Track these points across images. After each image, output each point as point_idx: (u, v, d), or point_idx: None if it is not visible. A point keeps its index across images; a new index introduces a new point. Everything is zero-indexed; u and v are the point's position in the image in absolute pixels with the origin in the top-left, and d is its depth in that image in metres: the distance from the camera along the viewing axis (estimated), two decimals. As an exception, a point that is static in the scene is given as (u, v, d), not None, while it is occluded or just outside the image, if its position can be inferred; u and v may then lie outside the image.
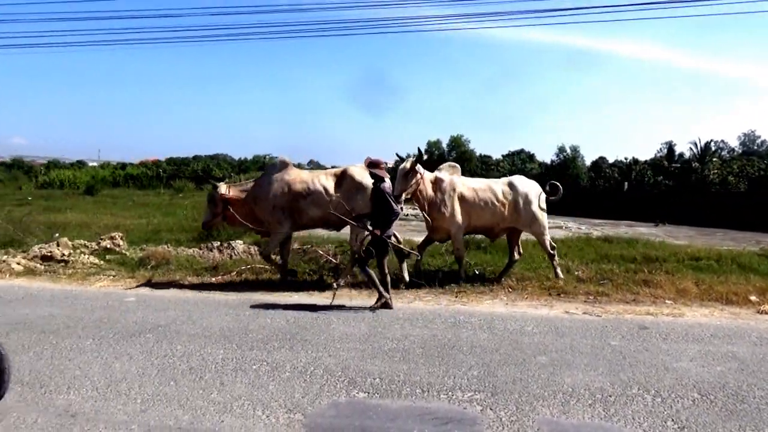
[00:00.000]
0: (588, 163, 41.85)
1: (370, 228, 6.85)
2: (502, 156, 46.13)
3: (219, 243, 10.46)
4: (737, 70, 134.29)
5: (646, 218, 24.11)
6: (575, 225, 19.92)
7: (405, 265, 8.10)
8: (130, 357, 5.03)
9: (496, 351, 5.26)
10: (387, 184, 6.87)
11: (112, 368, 4.75)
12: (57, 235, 11.23)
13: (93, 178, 37.23)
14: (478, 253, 10.13)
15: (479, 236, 9.52)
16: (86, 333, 5.76)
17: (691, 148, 42.76)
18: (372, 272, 6.90)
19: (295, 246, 10.19)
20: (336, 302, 7.07)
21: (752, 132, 69.21)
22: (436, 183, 8.12)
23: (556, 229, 17.81)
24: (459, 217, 8.10)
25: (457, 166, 8.58)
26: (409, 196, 7.93)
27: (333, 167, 8.78)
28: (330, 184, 8.22)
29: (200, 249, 10.39)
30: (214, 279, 8.70)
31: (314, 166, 48.21)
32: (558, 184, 8.64)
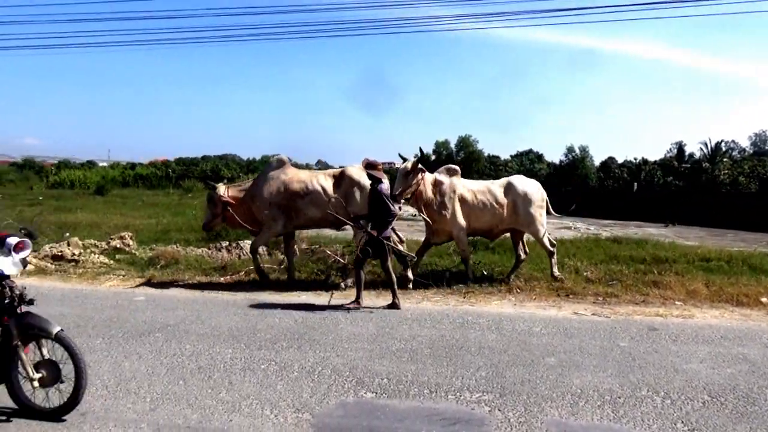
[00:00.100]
0: (597, 163, 41.70)
1: (366, 229, 6.89)
2: (511, 156, 46.06)
3: (227, 243, 10.51)
4: (749, 69, 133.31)
5: (655, 219, 23.97)
6: (584, 225, 19.84)
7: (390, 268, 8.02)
8: (139, 356, 5.06)
9: (504, 352, 5.24)
10: (384, 185, 6.92)
11: (122, 367, 4.78)
12: (67, 234, 11.33)
13: (103, 179, 37.53)
14: (486, 254, 10.11)
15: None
16: (96, 332, 5.80)
17: (701, 149, 42.47)
18: (363, 274, 7.02)
19: (303, 246, 10.21)
20: (342, 302, 7.08)
21: (763, 132, 68.71)
22: (436, 185, 8.10)
23: (564, 229, 17.75)
24: (461, 219, 8.09)
25: (457, 168, 8.56)
26: (409, 197, 7.92)
27: (341, 167, 8.80)
28: (328, 185, 8.23)
29: (209, 249, 10.45)
30: (222, 279, 8.74)
31: (322, 166, 48.27)
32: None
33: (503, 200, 8.25)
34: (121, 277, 8.89)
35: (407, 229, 13.12)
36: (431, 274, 8.36)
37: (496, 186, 8.44)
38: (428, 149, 49.64)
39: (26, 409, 3.74)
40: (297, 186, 8.21)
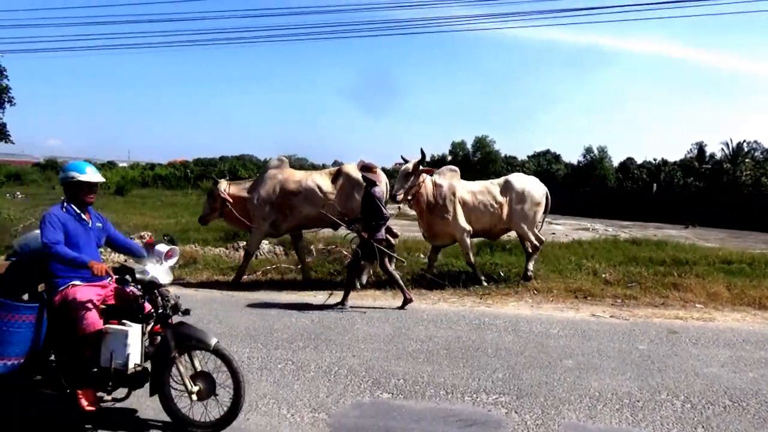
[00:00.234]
0: (616, 164, 41.26)
1: (358, 231, 6.92)
2: (528, 157, 45.76)
3: (245, 243, 10.59)
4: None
5: (675, 220, 23.67)
6: (602, 227, 19.65)
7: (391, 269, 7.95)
8: (158, 354, 5.11)
9: (521, 354, 5.21)
10: (378, 188, 6.96)
11: (141, 365, 4.83)
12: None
13: (123, 179, 38.00)
14: (503, 255, 10.06)
15: (503, 237, 9.44)
16: (116, 330, 5.86)
17: (722, 149, 41.74)
18: (355, 277, 7.10)
19: (320, 246, 10.25)
20: (361, 303, 7.11)
21: (787, 132, 67.32)
22: (436, 188, 8.07)
23: (582, 230, 17.60)
24: (463, 222, 8.06)
25: (456, 169, 8.52)
26: (410, 198, 7.90)
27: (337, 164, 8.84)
28: (323, 182, 8.29)
29: (227, 249, 10.55)
30: (240, 281, 8.80)
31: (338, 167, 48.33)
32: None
33: (501, 199, 8.23)
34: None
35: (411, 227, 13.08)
36: (447, 274, 8.33)
37: (495, 185, 8.42)
38: (444, 150, 49.60)
39: (180, 423, 3.60)
40: (292, 185, 8.28)
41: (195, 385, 3.56)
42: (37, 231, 3.90)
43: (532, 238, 8.34)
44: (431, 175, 8.08)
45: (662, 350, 5.37)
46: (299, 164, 43.85)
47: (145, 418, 3.80)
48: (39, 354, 3.52)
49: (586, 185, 35.43)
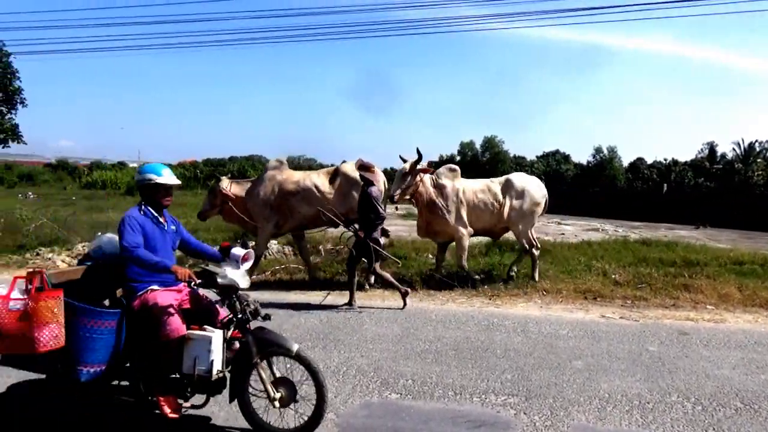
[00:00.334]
0: (625, 164, 41.00)
1: (354, 230, 6.94)
2: (537, 157, 45.53)
3: (253, 243, 10.62)
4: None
5: (686, 221, 23.46)
6: (612, 227, 19.51)
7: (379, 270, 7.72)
8: (168, 354, 5.14)
9: (530, 354, 5.20)
10: (374, 188, 6.98)
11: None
12: (99, 234, 11.56)
13: (133, 179, 38.21)
14: (512, 256, 10.02)
15: (513, 238, 9.41)
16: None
17: (734, 149, 41.33)
18: (355, 276, 7.14)
19: (329, 246, 10.27)
20: (369, 303, 7.11)
21: (800, 132, 66.60)
22: (438, 187, 8.06)
23: (592, 231, 17.50)
24: (463, 223, 8.06)
25: (457, 168, 8.50)
26: (408, 197, 7.92)
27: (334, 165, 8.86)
28: (321, 182, 8.32)
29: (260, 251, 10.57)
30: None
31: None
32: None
33: (501, 198, 8.22)
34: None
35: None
36: (456, 275, 8.32)
37: (496, 184, 8.41)
38: (453, 150, 49.46)
39: (260, 430, 3.55)
40: (290, 186, 8.33)
41: (277, 391, 3.49)
42: (110, 234, 3.91)
43: (528, 238, 8.33)
44: (432, 174, 8.11)
45: (673, 352, 5.33)
46: (308, 164, 43.95)
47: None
48: (118, 360, 3.47)
49: (595, 185, 35.25)
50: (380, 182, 7.88)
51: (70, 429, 3.71)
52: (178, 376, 3.50)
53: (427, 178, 7.99)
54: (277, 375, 3.54)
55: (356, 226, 6.97)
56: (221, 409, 3.85)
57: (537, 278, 8.23)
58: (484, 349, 5.33)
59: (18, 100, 17.03)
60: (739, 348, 5.48)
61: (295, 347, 3.47)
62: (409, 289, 7.11)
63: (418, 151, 7.73)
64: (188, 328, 3.48)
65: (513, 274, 8.29)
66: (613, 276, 8.50)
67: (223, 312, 3.63)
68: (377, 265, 7.03)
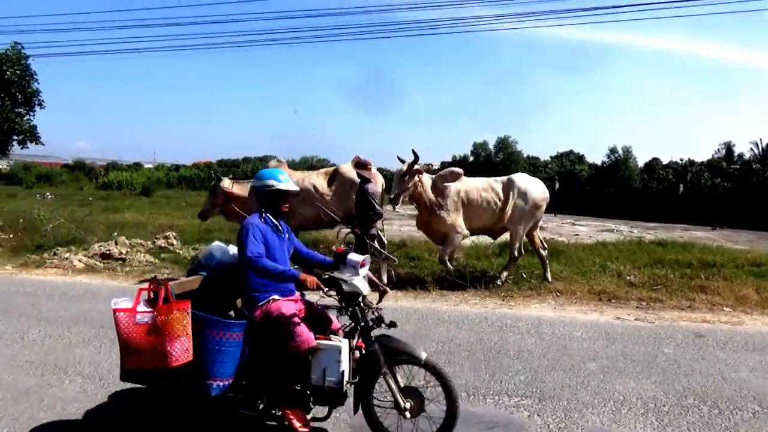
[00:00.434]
0: (641, 164, 40.60)
1: (352, 227, 7.03)
2: (551, 157, 45.18)
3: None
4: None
5: (702, 222, 23.14)
6: (627, 228, 19.34)
7: (383, 269, 7.98)
8: (183, 353, 5.19)
9: (543, 356, 5.17)
10: (371, 185, 7.01)
11: (167, 363, 4.91)
12: (115, 234, 11.72)
13: (149, 180, 38.56)
14: (525, 257, 9.98)
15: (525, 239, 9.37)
16: (142, 329, 5.97)
17: (752, 149, 40.73)
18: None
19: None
20: (381, 303, 7.10)
21: (820, 131, 65.46)
22: (439, 188, 8.08)
23: (606, 232, 17.36)
24: (461, 223, 8.07)
25: (461, 171, 8.50)
26: (407, 198, 7.96)
27: (379, 169, 8.87)
28: (319, 183, 8.40)
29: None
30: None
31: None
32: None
33: (503, 197, 8.21)
34: (166, 275, 9.14)
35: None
36: (469, 276, 8.30)
37: (498, 183, 8.40)
38: (466, 151, 49.25)
39: None
40: None
41: (406, 401, 3.36)
42: (218, 243, 3.84)
43: (518, 245, 8.28)
44: (431, 174, 8.17)
45: (689, 354, 5.28)
46: (321, 165, 43.98)
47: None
48: (243, 373, 3.34)
49: (610, 186, 34.91)
50: (376, 180, 7.93)
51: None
52: (298, 387, 3.41)
53: (426, 178, 8.02)
54: (404, 384, 3.42)
55: (350, 227, 7.06)
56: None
57: (550, 278, 8.21)
58: (497, 351, 5.32)
59: (36, 102, 17.24)
60: (756, 351, 5.41)
61: (423, 355, 3.35)
62: (388, 289, 7.04)
63: (414, 152, 7.77)
64: (317, 338, 3.37)
65: (500, 282, 8.19)
66: (628, 277, 8.43)
67: (335, 320, 3.55)
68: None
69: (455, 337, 5.73)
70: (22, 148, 18.04)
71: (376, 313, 3.44)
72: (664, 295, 7.55)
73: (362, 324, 3.38)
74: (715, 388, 4.43)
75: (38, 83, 17.31)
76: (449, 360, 5.04)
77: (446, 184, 8.12)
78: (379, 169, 8.06)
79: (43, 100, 17.55)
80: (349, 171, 8.20)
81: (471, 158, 47.34)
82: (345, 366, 3.30)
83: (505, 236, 8.85)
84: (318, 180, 8.43)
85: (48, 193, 28.63)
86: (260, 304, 3.42)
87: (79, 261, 9.80)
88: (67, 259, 9.91)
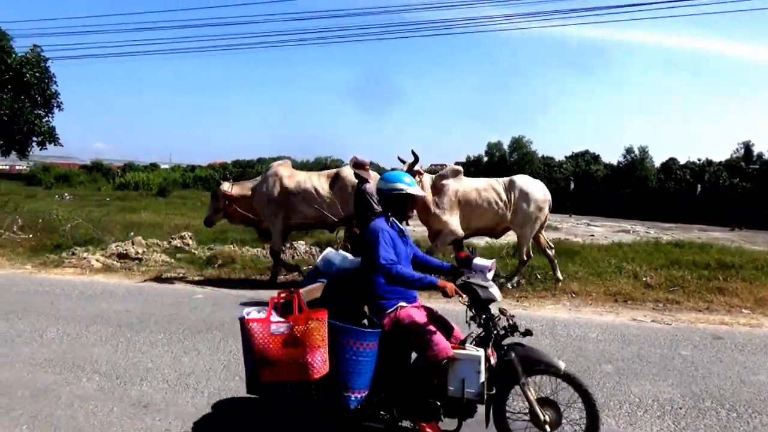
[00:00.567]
0: (657, 164, 40.15)
1: (350, 228, 7.08)
2: (566, 157, 44.82)
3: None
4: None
5: (720, 222, 22.85)
6: (643, 229, 19.16)
7: None
8: (198, 352, 5.24)
9: (558, 358, 5.11)
10: (369, 185, 7.03)
11: (182, 362, 4.97)
12: (132, 234, 11.85)
13: (165, 180, 38.93)
14: (539, 257, 9.91)
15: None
16: (158, 328, 6.05)
17: (771, 148, 40.10)
18: None
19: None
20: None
21: (842, 130, 64.28)
22: (438, 187, 8.06)
23: (622, 233, 17.20)
24: (455, 223, 8.03)
25: (461, 169, 8.46)
26: None
27: (393, 170, 8.89)
28: (321, 184, 8.46)
29: (264, 249, 10.70)
30: (277, 280, 8.93)
31: (373, 168, 48.55)
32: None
33: (505, 198, 8.16)
34: (181, 275, 9.23)
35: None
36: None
37: (499, 183, 8.35)
38: (480, 151, 49.08)
39: None
40: (292, 185, 8.49)
41: (544, 413, 3.20)
42: (332, 250, 3.77)
43: (526, 248, 8.23)
44: (431, 174, 8.16)
45: (706, 356, 5.21)
46: (335, 165, 44.11)
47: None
48: (376, 383, 3.20)
49: (626, 186, 34.58)
50: (374, 180, 7.96)
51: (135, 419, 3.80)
52: (430, 398, 3.28)
53: (426, 179, 8.00)
54: (535, 396, 3.27)
55: (348, 233, 7.11)
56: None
57: (561, 276, 8.15)
58: (511, 352, 5.28)
59: (55, 104, 17.52)
60: (776, 353, 5.32)
61: (562, 365, 3.23)
62: None
63: (414, 153, 7.77)
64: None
65: (511, 286, 8.12)
66: (645, 278, 8.34)
67: (456, 327, 3.45)
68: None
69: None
70: (41, 149, 18.36)
71: (511, 321, 3.30)
72: (681, 297, 7.46)
73: (495, 332, 3.25)
74: (734, 391, 4.37)
75: (57, 86, 17.61)
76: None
77: (444, 182, 8.11)
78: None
79: (61, 102, 17.87)
80: (350, 175, 8.24)
81: (485, 158, 47.17)
82: (484, 377, 3.18)
83: (515, 238, 8.82)
84: (319, 182, 8.50)
85: (66, 194, 29.02)
86: (388, 311, 3.31)
87: (97, 261, 9.93)
88: (84, 258, 10.05)
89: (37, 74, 16.40)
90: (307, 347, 2.88)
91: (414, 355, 3.38)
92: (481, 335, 3.32)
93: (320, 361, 2.91)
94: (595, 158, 43.97)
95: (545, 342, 5.58)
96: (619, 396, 4.26)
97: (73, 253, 10.44)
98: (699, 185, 30.76)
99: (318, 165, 43.62)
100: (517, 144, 46.97)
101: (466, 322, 3.30)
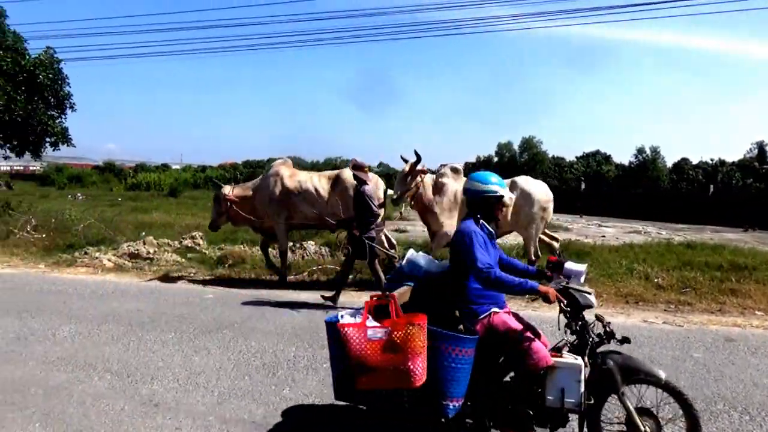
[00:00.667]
0: (669, 164, 39.86)
1: (350, 229, 7.07)
2: (576, 158, 44.61)
3: (291, 243, 10.76)
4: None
5: (733, 223, 22.61)
6: (655, 230, 19.01)
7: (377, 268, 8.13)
8: (208, 351, 5.27)
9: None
10: (368, 187, 7.07)
11: (192, 361, 5.00)
12: (143, 234, 11.94)
13: (176, 180, 39.23)
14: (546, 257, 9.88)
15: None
16: (169, 327, 6.09)
17: (786, 149, 39.66)
18: (348, 275, 7.33)
19: (381, 250, 10.32)
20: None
21: None
22: (438, 187, 8.05)
23: (634, 233, 17.07)
24: (449, 222, 8.00)
25: (460, 169, 8.44)
26: (408, 198, 7.98)
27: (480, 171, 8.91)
28: (321, 185, 8.51)
29: (274, 249, 10.73)
30: (287, 279, 8.96)
31: (384, 168, 48.55)
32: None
33: (508, 200, 8.07)
34: (192, 274, 9.29)
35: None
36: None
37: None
38: (490, 151, 48.98)
39: None
40: (292, 184, 8.54)
41: (644, 423, 3.07)
42: (413, 251, 3.69)
43: (533, 248, 8.18)
44: (433, 174, 8.15)
45: (718, 359, 5.16)
46: (345, 166, 44.13)
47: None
48: (472, 391, 3.11)
49: (637, 187, 34.36)
50: (373, 182, 7.98)
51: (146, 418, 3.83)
52: (519, 406, 3.19)
53: (428, 179, 8.01)
54: (634, 406, 3.13)
55: (347, 236, 7.15)
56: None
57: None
58: (521, 353, 5.26)
59: (68, 105, 17.63)
60: (790, 356, 5.26)
61: (663, 375, 3.09)
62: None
63: (416, 153, 7.78)
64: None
65: None
66: (656, 280, 8.27)
67: (542, 333, 3.31)
68: (375, 262, 7.10)
69: (478, 339, 5.69)
70: (54, 150, 18.44)
71: (607, 328, 3.18)
72: (694, 298, 7.39)
73: (590, 339, 3.13)
74: (746, 394, 4.32)
75: (70, 87, 17.69)
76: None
77: (443, 181, 8.10)
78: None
79: (74, 103, 17.94)
80: (351, 177, 8.27)
81: (495, 159, 47.05)
82: (584, 386, 3.07)
83: (520, 239, 8.78)
84: (320, 183, 8.53)
85: (79, 194, 29.32)
86: (481, 317, 3.21)
87: (109, 260, 10.02)
88: (97, 258, 10.14)
89: (51, 76, 16.53)
90: (408, 353, 2.77)
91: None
92: (575, 342, 3.21)
93: (421, 369, 2.80)
94: (606, 158, 43.74)
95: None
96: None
97: (86, 253, 10.55)
98: (712, 185, 30.48)
99: (328, 166, 43.67)
100: (528, 144, 46.85)
101: (563, 329, 3.23)
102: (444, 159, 8.48)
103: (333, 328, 2.96)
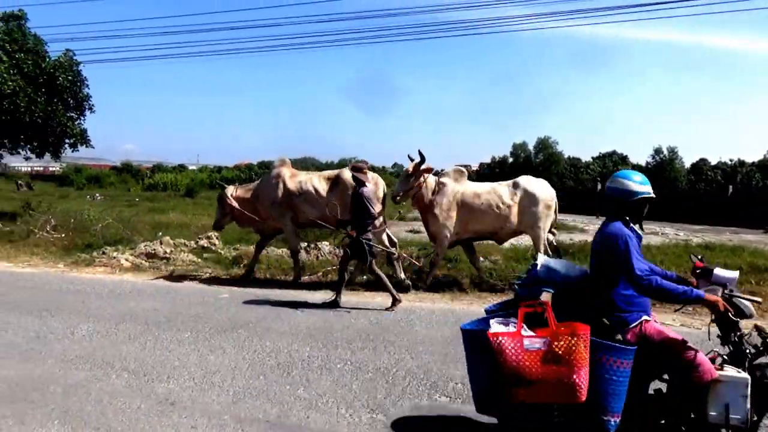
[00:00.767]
0: (687, 165, 39.35)
1: (347, 230, 7.08)
2: (593, 158, 44.22)
3: (306, 244, 10.81)
4: None
5: (753, 224, 22.25)
6: (672, 231, 18.76)
7: (398, 268, 8.29)
8: (223, 351, 5.31)
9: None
10: (366, 188, 7.05)
11: (208, 361, 5.04)
12: (160, 234, 12.07)
13: (192, 181, 39.58)
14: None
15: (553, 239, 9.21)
16: (185, 326, 6.15)
17: (807, 148, 38.97)
18: (345, 275, 7.28)
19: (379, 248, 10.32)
20: (419, 305, 7.12)
21: None
22: (438, 187, 8.02)
23: (651, 235, 16.88)
24: (449, 225, 7.97)
25: (464, 170, 8.41)
26: (411, 198, 8.01)
27: (621, 170, 8.93)
28: (321, 186, 8.56)
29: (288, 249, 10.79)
30: (301, 279, 9.00)
31: (398, 169, 48.52)
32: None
33: (509, 201, 8.04)
34: (208, 274, 9.37)
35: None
36: (505, 278, 8.21)
37: (503, 186, 8.25)
38: (506, 151, 48.73)
39: None
40: (293, 185, 8.60)
41: None
42: (543, 256, 3.54)
43: (542, 247, 8.11)
44: (436, 175, 8.15)
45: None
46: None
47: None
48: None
49: (655, 187, 33.91)
50: (373, 183, 7.99)
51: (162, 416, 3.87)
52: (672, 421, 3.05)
53: (431, 179, 7.99)
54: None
55: (346, 232, 7.16)
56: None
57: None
58: (535, 354, 5.23)
59: (87, 107, 17.89)
60: (811, 360, 5.16)
61: None
62: (401, 299, 7.06)
63: (420, 153, 7.77)
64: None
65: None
66: (674, 282, 8.16)
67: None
68: (374, 263, 7.11)
69: (493, 340, 5.67)
70: (73, 151, 18.71)
71: (767, 339, 2.99)
72: (712, 301, 7.28)
73: (747, 351, 2.98)
74: (766, 398, 4.25)
75: (89, 88, 17.96)
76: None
77: (444, 181, 8.08)
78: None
79: (93, 105, 18.21)
80: (350, 178, 8.29)
81: (510, 159, 46.81)
82: (750, 401, 2.86)
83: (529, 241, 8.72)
84: (320, 184, 8.57)
85: (97, 194, 29.74)
86: (632, 326, 3.03)
87: (126, 260, 10.14)
88: (114, 257, 10.28)
89: (70, 78, 16.79)
90: (573, 366, 2.62)
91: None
92: (730, 354, 3.05)
93: (586, 382, 2.64)
94: (623, 159, 43.30)
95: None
96: (645, 401, 4.18)
97: (104, 253, 10.69)
98: (731, 186, 30.02)
99: (342, 167, 43.66)
100: (543, 144, 46.50)
101: (720, 340, 3.09)
102: (458, 160, 8.48)
103: (475, 337, 2.82)
